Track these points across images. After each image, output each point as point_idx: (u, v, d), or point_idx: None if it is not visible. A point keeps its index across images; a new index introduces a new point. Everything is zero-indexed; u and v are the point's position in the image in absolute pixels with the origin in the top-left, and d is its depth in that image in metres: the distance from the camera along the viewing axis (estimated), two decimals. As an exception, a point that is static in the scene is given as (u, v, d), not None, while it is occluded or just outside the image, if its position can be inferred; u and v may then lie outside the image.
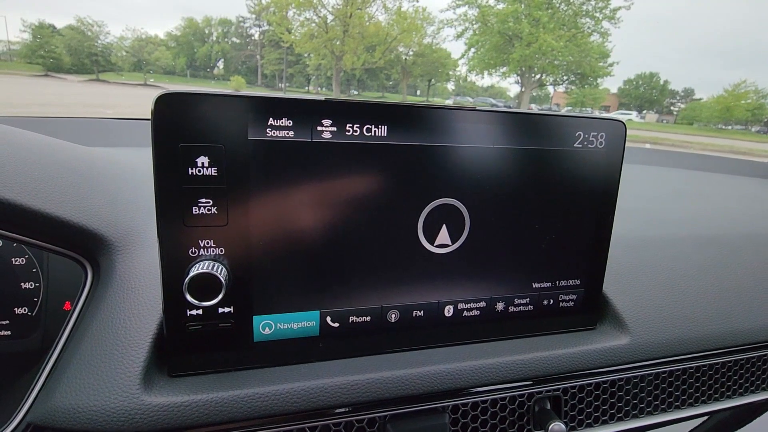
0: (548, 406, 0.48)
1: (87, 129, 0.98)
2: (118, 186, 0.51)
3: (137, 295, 0.40)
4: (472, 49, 22.33)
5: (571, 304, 0.48)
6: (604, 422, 0.52)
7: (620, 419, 0.52)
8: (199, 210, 0.34)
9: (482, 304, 0.45)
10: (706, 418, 0.57)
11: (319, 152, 0.36)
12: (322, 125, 0.36)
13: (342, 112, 0.36)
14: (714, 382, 0.57)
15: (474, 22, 21.60)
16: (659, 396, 0.54)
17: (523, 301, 0.46)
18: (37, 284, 0.55)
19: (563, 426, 0.45)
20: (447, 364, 0.42)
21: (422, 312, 0.43)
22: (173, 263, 0.34)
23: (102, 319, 0.39)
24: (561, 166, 0.43)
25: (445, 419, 0.44)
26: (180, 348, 0.36)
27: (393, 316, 0.42)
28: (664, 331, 0.49)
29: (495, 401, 0.47)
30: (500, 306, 0.46)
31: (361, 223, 0.38)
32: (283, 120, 0.35)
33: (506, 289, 0.45)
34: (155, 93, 0.32)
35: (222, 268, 0.35)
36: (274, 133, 0.35)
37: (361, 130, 0.37)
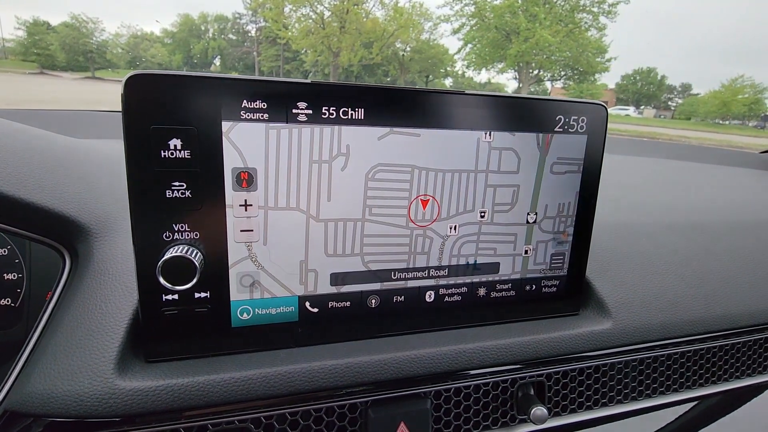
0: (532, 392, 0.48)
1: (75, 121, 0.97)
2: (97, 174, 0.50)
3: (114, 282, 0.40)
4: (469, 45, 22.27)
5: (554, 290, 0.48)
6: (589, 407, 0.52)
7: (605, 404, 0.53)
8: (172, 193, 0.34)
9: (464, 289, 0.45)
10: (694, 404, 0.57)
11: (295, 135, 0.36)
12: (298, 108, 0.36)
13: (318, 94, 0.36)
14: (699, 368, 0.57)
15: (470, 18, 21.53)
16: (644, 381, 0.54)
17: (505, 286, 0.46)
18: (19, 275, 0.55)
19: (545, 411, 0.45)
20: (428, 349, 0.41)
21: (403, 297, 0.43)
22: (147, 247, 0.34)
23: (79, 305, 0.38)
24: (542, 151, 0.43)
25: (427, 404, 0.44)
26: (156, 333, 0.36)
27: (373, 301, 0.42)
28: (647, 316, 0.49)
29: (478, 387, 0.47)
30: (482, 291, 0.45)
31: (342, 206, 0.38)
32: (258, 102, 0.34)
33: (488, 274, 0.45)
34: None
35: (197, 252, 0.35)
36: (248, 115, 0.34)
37: (338, 113, 0.37)
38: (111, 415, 0.33)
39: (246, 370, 0.36)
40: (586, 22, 20.75)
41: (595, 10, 20.43)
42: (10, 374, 0.38)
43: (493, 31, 20.74)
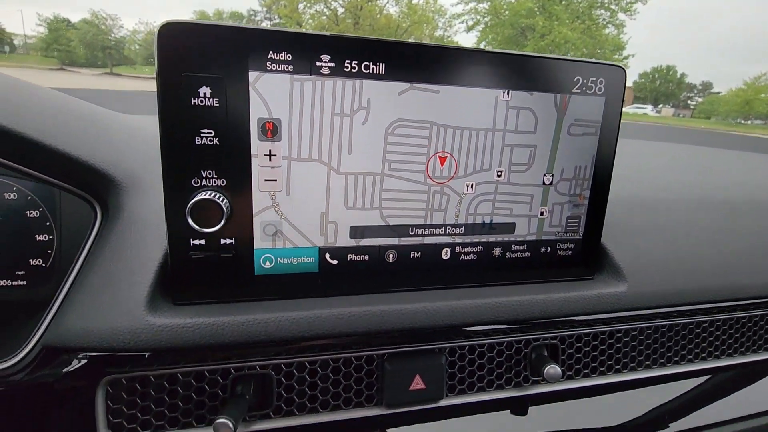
0: (545, 353, 0.49)
1: (110, 98, 1.00)
2: (130, 140, 0.52)
3: (143, 232, 0.41)
4: (483, 43, 22.08)
5: (569, 253, 0.49)
6: (602, 373, 0.52)
7: (618, 371, 0.53)
8: (201, 140, 0.35)
9: (479, 248, 0.45)
10: (707, 377, 0.57)
11: (318, 87, 0.37)
12: (321, 60, 0.37)
13: (341, 48, 0.37)
14: (715, 339, 0.57)
15: (485, 15, 21.33)
16: (658, 350, 0.54)
17: (521, 247, 0.47)
18: (50, 237, 0.57)
19: (559, 369, 0.46)
20: (443, 302, 0.42)
21: (420, 254, 0.44)
22: (177, 190, 0.36)
23: (110, 253, 0.40)
24: (560, 111, 0.43)
25: (442, 360, 0.45)
26: (184, 277, 0.38)
27: (391, 256, 0.43)
28: (663, 282, 0.50)
29: (492, 346, 0.48)
30: (497, 251, 0.46)
31: (362, 159, 0.39)
32: (283, 54, 0.36)
33: (503, 234, 0.46)
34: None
35: (224, 198, 0.36)
36: (274, 66, 0.36)
37: (360, 67, 0.38)
38: (142, 349, 0.35)
39: (270, 313, 0.38)
40: (603, 19, 20.40)
41: (613, 6, 20.06)
42: (46, 315, 0.40)
43: (509, 28, 20.52)
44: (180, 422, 0.40)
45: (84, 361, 0.36)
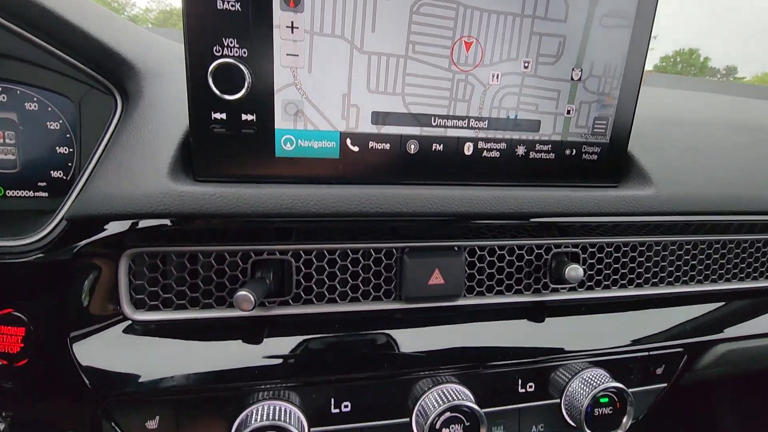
0: (566, 260, 0.48)
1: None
2: (153, 38, 0.52)
3: (164, 115, 0.41)
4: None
5: (594, 157, 0.47)
6: (623, 286, 0.51)
7: (639, 285, 0.52)
8: (223, 4, 0.35)
9: (502, 145, 0.44)
10: (721, 304, 0.55)
11: (343, -47, 0.36)
12: (346, -75, 0.35)
13: None
14: (740, 261, 0.55)
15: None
16: (681, 267, 0.53)
17: (545, 147, 0.45)
18: (71, 150, 0.57)
19: (580, 270, 0.45)
20: (466, 190, 0.41)
21: (442, 146, 0.43)
22: (199, 55, 0.35)
23: (131, 134, 0.40)
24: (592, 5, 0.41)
25: (461, 257, 0.45)
26: (205, 152, 0.38)
27: (413, 146, 0.42)
28: (690, 187, 0.48)
29: (512, 250, 0.47)
30: (521, 150, 0.45)
31: (385, 38, 0.38)
32: None
33: (528, 131, 0.44)
34: None
35: (245, 67, 0.35)
36: (297, -72, 0.34)
37: (386, -65, 0.36)
38: (164, 215, 0.35)
39: (291, 188, 0.38)
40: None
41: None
42: (69, 195, 0.40)
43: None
44: (201, 303, 0.41)
45: (106, 232, 0.36)
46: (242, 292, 0.36)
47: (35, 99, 0.57)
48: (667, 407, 0.51)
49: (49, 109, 0.57)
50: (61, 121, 0.57)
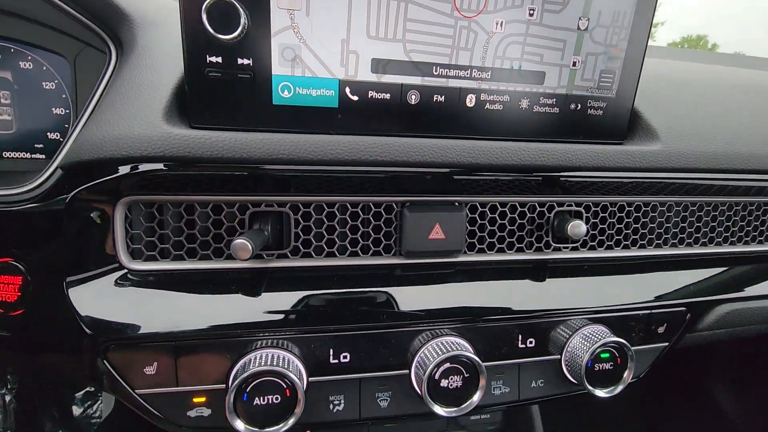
0: (569, 217, 0.47)
1: None
2: None
3: (158, 62, 0.40)
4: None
5: (600, 112, 0.46)
6: (626, 247, 0.51)
7: (642, 246, 0.51)
8: (217, -61, 0.33)
9: (506, 98, 0.43)
10: (726, 267, 0.54)
11: None
12: None
13: None
14: (746, 224, 0.54)
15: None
16: (686, 229, 0.52)
17: (549, 101, 0.44)
18: (67, 111, 0.57)
19: (584, 226, 0.44)
20: (468, 141, 0.41)
21: (443, 98, 0.42)
22: (192, -6, 0.34)
23: (125, 81, 0.39)
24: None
25: (462, 213, 0.44)
26: (201, 96, 0.37)
27: (413, 97, 0.41)
28: (697, 143, 0.47)
29: (514, 207, 0.46)
30: (524, 103, 0.44)
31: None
32: None
33: (532, 84, 0.43)
34: None
35: (240, 6, 0.34)
36: None
37: None
38: (158, 158, 0.34)
39: (288, 134, 0.37)
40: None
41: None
42: (64, 146, 0.40)
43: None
44: (198, 254, 0.40)
45: (100, 179, 0.36)
46: (240, 240, 0.36)
47: (30, 57, 0.56)
48: (666, 369, 0.51)
49: (44, 68, 0.56)
50: (56, 81, 0.56)
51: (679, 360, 0.66)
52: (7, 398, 1.22)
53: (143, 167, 0.35)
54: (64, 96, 0.57)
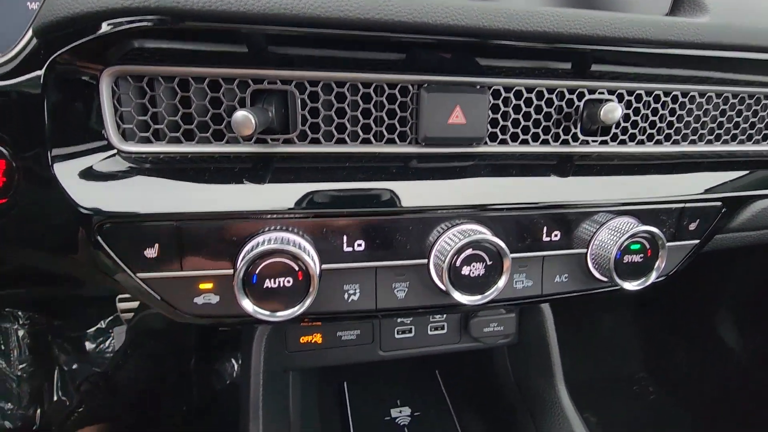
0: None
1: None
2: None
3: None
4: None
5: (643, -18, 0.41)
6: (658, 142, 0.47)
7: (676, 142, 0.47)
8: None
9: (538, -41, 0.38)
10: (746, 172, 0.50)
11: None
12: None
13: None
14: (788, 120, 0.50)
15: None
16: (723, 124, 0.48)
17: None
18: None
19: (619, 109, 0.40)
20: (492, 3, 0.35)
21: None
22: None
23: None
24: None
25: (486, 96, 0.40)
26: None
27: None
28: (748, 18, 0.42)
29: (541, 93, 0.42)
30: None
31: None
32: None
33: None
34: None
35: None
36: None
37: None
38: (144, 9, 0.29)
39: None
40: None
41: None
42: (40, 7, 0.35)
43: None
44: (196, 136, 0.37)
45: (80, 39, 0.31)
46: (241, 112, 0.32)
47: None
48: (691, 271, 0.48)
49: None
50: None
51: (708, 261, 0.62)
52: (20, 333, 1.24)
53: (124, 21, 0.30)
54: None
